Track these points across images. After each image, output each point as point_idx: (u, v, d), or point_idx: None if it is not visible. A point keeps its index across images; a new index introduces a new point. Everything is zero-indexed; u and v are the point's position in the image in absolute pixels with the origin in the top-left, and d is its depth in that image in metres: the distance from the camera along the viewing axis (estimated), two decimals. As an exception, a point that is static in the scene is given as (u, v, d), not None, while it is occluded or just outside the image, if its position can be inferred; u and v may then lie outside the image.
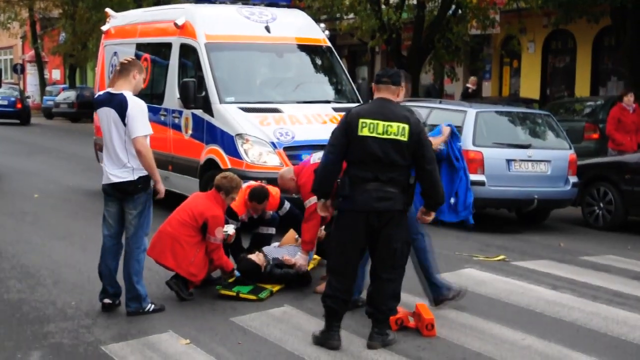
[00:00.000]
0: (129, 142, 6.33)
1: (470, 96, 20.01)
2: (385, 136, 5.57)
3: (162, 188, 6.51)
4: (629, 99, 13.05)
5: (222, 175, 7.25)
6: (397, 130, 5.57)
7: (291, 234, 8.14)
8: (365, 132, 5.58)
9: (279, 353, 5.72)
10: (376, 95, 5.82)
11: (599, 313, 6.79)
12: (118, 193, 6.48)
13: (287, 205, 7.99)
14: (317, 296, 7.11)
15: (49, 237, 9.61)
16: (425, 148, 5.64)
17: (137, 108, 6.32)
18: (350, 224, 5.69)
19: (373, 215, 5.62)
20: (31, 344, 5.83)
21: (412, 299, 6.92)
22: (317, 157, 7.62)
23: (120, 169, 6.39)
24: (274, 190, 7.89)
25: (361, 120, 5.61)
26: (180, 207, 7.14)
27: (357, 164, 5.65)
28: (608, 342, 6.09)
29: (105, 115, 6.41)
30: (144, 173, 6.41)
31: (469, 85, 20.84)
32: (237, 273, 7.25)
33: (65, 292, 7.20)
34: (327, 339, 5.76)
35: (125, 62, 6.57)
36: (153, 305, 6.60)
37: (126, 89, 6.41)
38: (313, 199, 7.25)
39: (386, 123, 5.58)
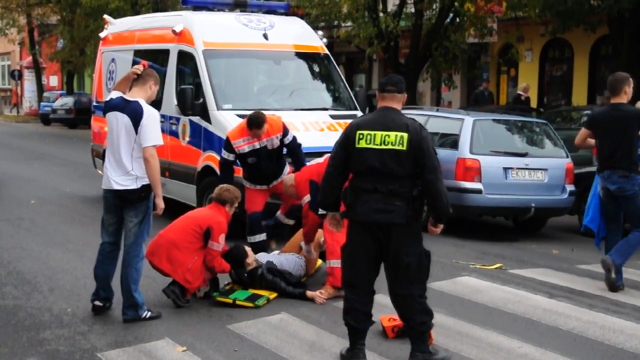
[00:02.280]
0: (136, 150, 6.35)
1: (523, 105, 18.72)
2: (383, 146, 5.41)
3: (161, 204, 6.47)
4: None
5: (224, 188, 7.31)
6: (395, 140, 5.40)
7: (296, 240, 8.10)
8: (362, 143, 5.47)
9: (275, 360, 5.71)
10: (380, 104, 5.66)
11: (596, 322, 6.79)
12: (119, 201, 6.48)
13: (290, 135, 8.67)
14: (314, 303, 7.12)
15: (46, 244, 9.60)
16: (425, 156, 5.39)
17: (152, 118, 6.38)
18: (355, 235, 5.58)
19: (375, 227, 5.47)
20: (27, 351, 5.82)
21: (408, 306, 6.92)
22: (315, 160, 8.03)
23: (123, 176, 6.40)
24: (275, 117, 8.49)
25: (358, 132, 5.49)
26: (184, 215, 7.22)
27: (358, 175, 5.54)
28: (605, 351, 6.09)
29: (115, 120, 6.42)
30: (147, 182, 6.41)
31: (520, 92, 19.41)
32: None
33: (62, 299, 7.19)
34: (351, 358, 5.61)
35: (143, 71, 6.54)
36: (150, 313, 6.59)
37: (141, 97, 6.43)
38: (306, 198, 7.60)
39: (384, 133, 5.43)
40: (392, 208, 5.41)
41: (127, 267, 6.53)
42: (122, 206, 6.51)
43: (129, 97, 6.43)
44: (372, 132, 5.47)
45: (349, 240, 5.66)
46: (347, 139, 5.55)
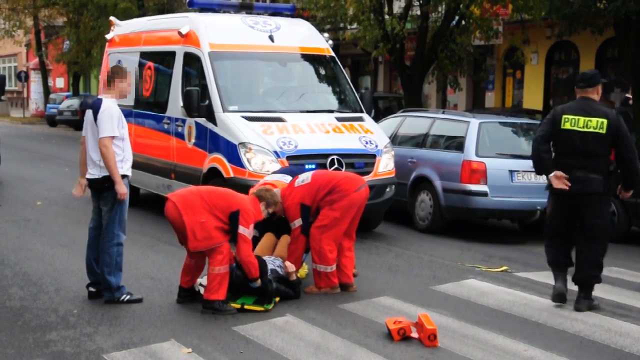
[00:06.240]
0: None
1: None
2: (585, 129, 6.80)
3: (121, 190, 6.90)
4: None
5: (266, 188, 7.45)
6: (597, 125, 6.79)
7: (267, 241, 7.87)
8: (567, 125, 6.86)
9: (280, 362, 5.71)
10: (578, 96, 7.01)
11: (602, 325, 6.78)
12: (91, 189, 7.14)
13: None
14: (319, 305, 7.13)
15: (52, 245, 9.61)
16: (624, 139, 6.84)
17: (107, 111, 6.92)
18: (555, 204, 7.07)
19: (572, 197, 6.85)
20: (33, 352, 5.82)
21: (414, 309, 6.92)
22: (301, 179, 7.63)
23: (92, 167, 7.01)
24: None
25: (564, 116, 6.88)
26: (223, 189, 7.37)
27: (561, 154, 6.94)
28: (611, 354, 6.07)
29: (86, 117, 7.12)
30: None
31: (628, 95, 17.88)
32: (258, 283, 7.00)
33: (68, 300, 7.20)
34: (558, 289, 7.11)
35: (109, 72, 7.27)
36: (129, 296, 7.04)
37: (107, 95, 7.13)
38: (297, 222, 7.44)
39: (586, 118, 6.82)
40: (590, 181, 6.81)
41: (101, 251, 7.07)
42: (96, 195, 7.15)
43: (99, 96, 7.14)
44: (576, 117, 6.86)
45: (552, 207, 7.16)
46: (554, 120, 6.94)
